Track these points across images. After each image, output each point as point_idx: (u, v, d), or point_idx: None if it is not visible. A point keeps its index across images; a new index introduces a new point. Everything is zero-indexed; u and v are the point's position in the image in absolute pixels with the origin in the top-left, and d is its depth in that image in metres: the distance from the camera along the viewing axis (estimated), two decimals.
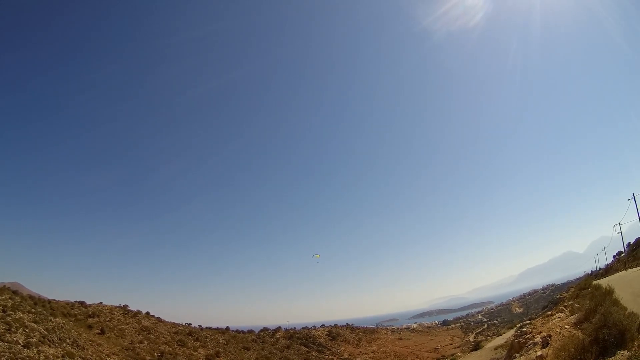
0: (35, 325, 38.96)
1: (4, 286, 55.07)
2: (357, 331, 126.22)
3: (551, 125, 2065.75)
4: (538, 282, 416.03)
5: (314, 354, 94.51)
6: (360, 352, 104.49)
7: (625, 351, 13.07)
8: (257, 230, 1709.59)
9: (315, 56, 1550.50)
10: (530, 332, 28.33)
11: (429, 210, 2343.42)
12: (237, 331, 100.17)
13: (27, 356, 31.98)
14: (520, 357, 25.13)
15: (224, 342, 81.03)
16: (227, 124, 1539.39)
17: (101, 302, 75.80)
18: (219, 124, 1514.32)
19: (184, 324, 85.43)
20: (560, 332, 21.88)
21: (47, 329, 40.07)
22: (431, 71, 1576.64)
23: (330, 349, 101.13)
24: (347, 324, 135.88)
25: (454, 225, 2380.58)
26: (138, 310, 78.31)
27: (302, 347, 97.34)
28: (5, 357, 29.98)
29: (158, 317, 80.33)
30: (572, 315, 24.95)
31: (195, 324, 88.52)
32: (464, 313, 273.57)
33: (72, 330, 46.68)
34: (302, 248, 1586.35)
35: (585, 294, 28.93)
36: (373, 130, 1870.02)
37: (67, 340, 42.24)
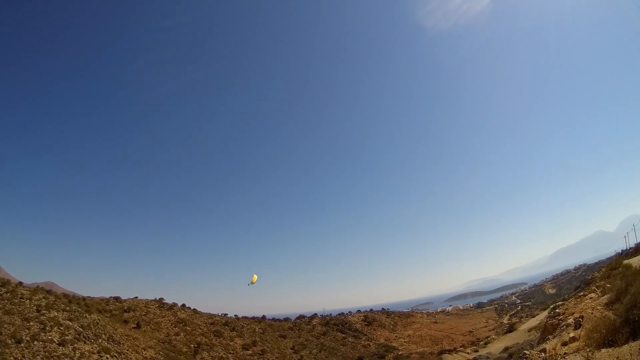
0: (70, 323, 40.24)
1: (38, 286, 57.22)
2: (392, 316, 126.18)
3: (581, 105, 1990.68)
4: (570, 262, 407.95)
5: (350, 339, 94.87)
6: (396, 336, 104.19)
7: None
8: (293, 221, 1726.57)
9: (318, 53, 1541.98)
10: (563, 314, 27.42)
11: (463, 194, 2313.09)
12: (274, 320, 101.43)
13: (63, 354, 33.02)
14: (553, 338, 24.26)
15: (260, 331, 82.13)
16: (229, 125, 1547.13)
17: (136, 297, 77.89)
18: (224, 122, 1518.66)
19: (220, 314, 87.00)
20: (592, 313, 21.32)
21: (82, 326, 41.34)
22: (433, 67, 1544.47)
23: (366, 334, 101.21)
24: (383, 309, 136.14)
25: (487, 207, 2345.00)
26: (174, 303, 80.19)
27: (339, 333, 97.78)
28: (40, 356, 30.86)
29: (194, 309, 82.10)
30: (603, 295, 24.03)
31: (231, 314, 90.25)
32: (498, 295, 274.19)
33: (108, 326, 48.09)
34: (337, 237, 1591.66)
35: (616, 274, 27.94)
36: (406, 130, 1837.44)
37: (103, 336, 43.54)
